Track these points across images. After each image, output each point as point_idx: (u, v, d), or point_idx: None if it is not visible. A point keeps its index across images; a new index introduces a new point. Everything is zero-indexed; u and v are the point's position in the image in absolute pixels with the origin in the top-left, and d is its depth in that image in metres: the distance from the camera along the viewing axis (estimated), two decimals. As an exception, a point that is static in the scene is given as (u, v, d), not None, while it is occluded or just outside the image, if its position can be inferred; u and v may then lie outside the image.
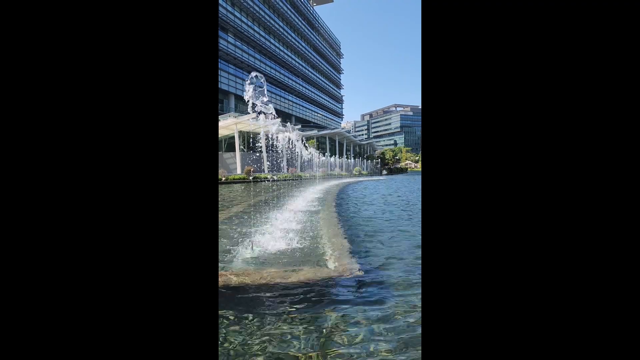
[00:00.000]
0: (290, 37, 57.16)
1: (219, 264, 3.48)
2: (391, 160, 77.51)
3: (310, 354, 1.84)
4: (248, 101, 4.62)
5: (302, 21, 61.42)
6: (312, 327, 2.15)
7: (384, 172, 56.97)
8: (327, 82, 74.52)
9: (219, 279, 2.83)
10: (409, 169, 71.55)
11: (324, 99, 73.48)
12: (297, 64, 60.32)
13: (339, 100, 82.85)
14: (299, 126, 39.67)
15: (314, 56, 67.16)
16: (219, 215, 7.04)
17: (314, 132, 45.51)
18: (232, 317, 2.27)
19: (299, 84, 61.66)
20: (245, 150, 28.77)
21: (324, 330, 2.12)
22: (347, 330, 2.11)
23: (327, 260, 3.63)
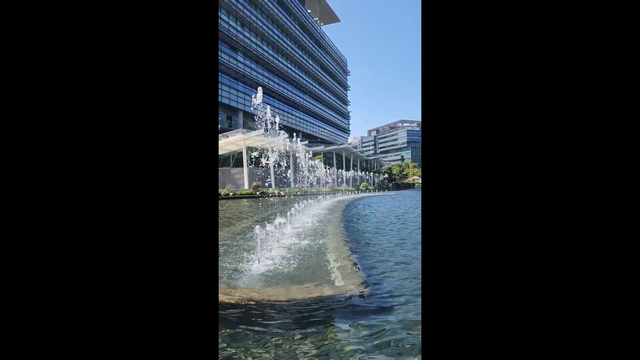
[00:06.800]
0: (298, 56, 58.43)
1: (226, 281, 3.48)
2: (398, 175, 77.25)
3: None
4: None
5: (310, 40, 62.87)
6: (316, 346, 2.12)
7: (391, 187, 56.78)
8: (333, 99, 75.47)
9: (225, 297, 2.83)
10: (416, 184, 71.10)
11: (331, 115, 74.25)
12: (304, 81, 61.40)
13: (345, 116, 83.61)
14: (306, 142, 40.01)
15: (321, 73, 68.35)
16: (227, 230, 7.05)
17: (320, 148, 45.79)
18: (235, 335, 2.25)
19: (307, 101, 62.57)
20: (253, 165, 29.06)
21: (328, 349, 2.10)
22: (351, 347, 2.08)
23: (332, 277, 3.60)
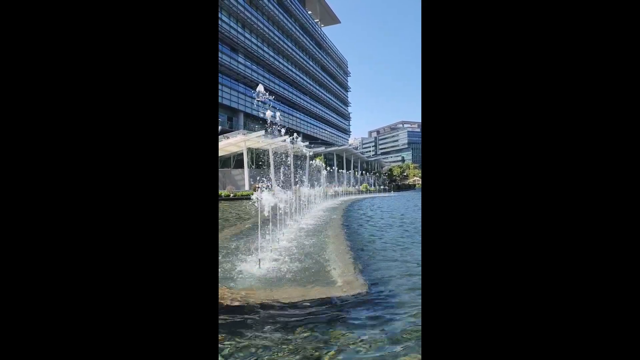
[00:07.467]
0: (298, 57, 58.51)
1: (226, 283, 3.48)
2: (399, 176, 77.26)
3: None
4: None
5: (310, 41, 62.97)
6: (316, 347, 2.12)
7: (392, 188, 56.85)
8: (334, 100, 75.51)
9: (225, 298, 2.83)
10: (416, 185, 71.06)
11: (331, 116, 74.28)
12: (305, 83, 61.46)
13: (346, 117, 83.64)
14: (307, 143, 40.03)
15: (321, 75, 68.41)
16: (229, 231, 7.06)
17: (321, 149, 45.81)
18: (235, 335, 2.25)
19: (307, 102, 62.63)
20: (253, 166, 29.07)
21: (330, 351, 2.09)
22: (352, 347, 2.07)
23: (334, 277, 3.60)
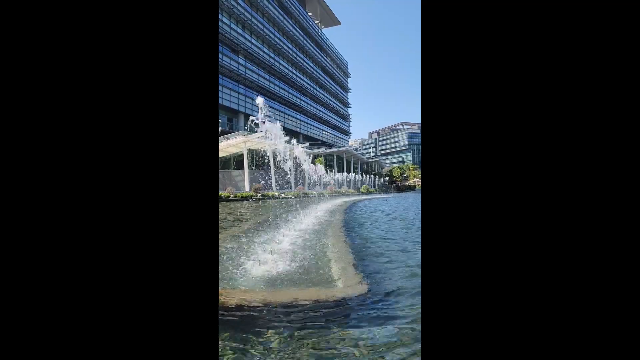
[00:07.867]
0: (299, 58, 58.66)
1: (225, 283, 3.48)
2: (399, 177, 77.33)
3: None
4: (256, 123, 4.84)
5: (311, 43, 63.14)
6: (316, 349, 2.12)
7: (392, 189, 56.92)
8: (334, 101, 75.64)
9: (225, 299, 2.83)
10: (416, 187, 71.05)
11: (332, 117, 74.41)
12: (305, 84, 61.58)
13: (346, 118, 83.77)
14: (307, 144, 40.06)
15: (322, 76, 68.55)
16: (230, 231, 7.05)
17: (321, 150, 45.86)
18: (234, 337, 2.25)
19: (307, 103, 62.75)
20: (253, 167, 29.12)
21: (329, 352, 2.09)
22: (352, 349, 2.07)
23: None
